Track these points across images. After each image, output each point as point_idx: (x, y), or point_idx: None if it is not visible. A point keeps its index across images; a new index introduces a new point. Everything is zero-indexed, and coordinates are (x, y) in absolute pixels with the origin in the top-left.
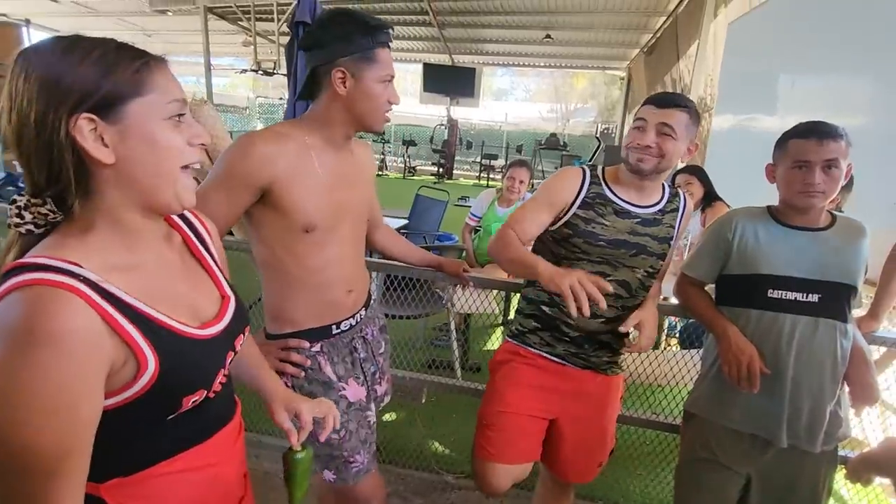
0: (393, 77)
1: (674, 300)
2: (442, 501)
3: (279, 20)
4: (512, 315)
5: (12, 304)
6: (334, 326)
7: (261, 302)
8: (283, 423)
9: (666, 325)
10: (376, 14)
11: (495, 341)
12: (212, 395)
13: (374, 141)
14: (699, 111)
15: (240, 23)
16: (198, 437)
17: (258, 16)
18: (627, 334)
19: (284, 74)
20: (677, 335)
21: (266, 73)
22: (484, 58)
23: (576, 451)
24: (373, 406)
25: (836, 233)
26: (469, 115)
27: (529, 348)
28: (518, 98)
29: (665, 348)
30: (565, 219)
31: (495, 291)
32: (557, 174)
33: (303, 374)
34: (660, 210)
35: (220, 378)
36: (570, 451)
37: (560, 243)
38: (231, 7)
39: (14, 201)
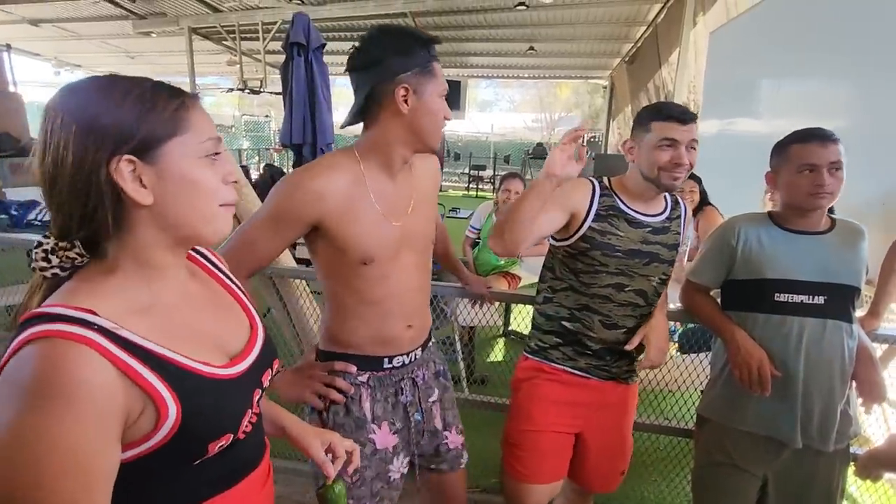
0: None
1: (674, 306)
2: None
3: (264, 39)
4: (513, 325)
5: (24, 359)
6: (386, 360)
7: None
8: (318, 455)
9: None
10: (364, 31)
11: (498, 353)
12: (241, 436)
13: None
14: None
15: (224, 42)
16: (224, 484)
17: (243, 35)
18: (639, 350)
19: (272, 93)
20: (676, 340)
21: (253, 92)
22: (469, 70)
23: (600, 461)
24: (398, 462)
25: (836, 235)
26: (455, 126)
27: (552, 364)
28: (503, 109)
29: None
30: (581, 232)
31: (497, 303)
32: (568, 183)
33: (344, 400)
34: (666, 218)
35: (249, 418)
36: (595, 461)
37: (577, 258)
38: (215, 27)
39: (39, 244)
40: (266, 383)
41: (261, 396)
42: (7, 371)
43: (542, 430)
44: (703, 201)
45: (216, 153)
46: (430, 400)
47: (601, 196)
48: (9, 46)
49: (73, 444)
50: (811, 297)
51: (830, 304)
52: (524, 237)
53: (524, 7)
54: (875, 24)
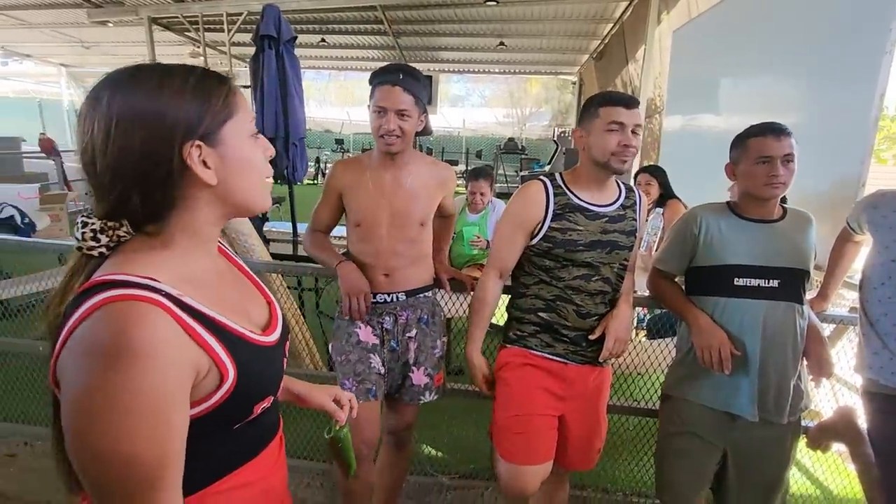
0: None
1: (641, 293)
2: (439, 503)
3: (230, 30)
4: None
5: (100, 320)
6: (374, 295)
7: None
8: (329, 406)
9: (634, 316)
10: (332, 23)
11: None
12: (274, 401)
13: (332, 150)
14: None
15: (187, 34)
16: (253, 450)
17: (207, 26)
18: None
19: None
20: (644, 326)
21: None
22: (440, 65)
23: (579, 441)
24: (377, 357)
25: (788, 223)
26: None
27: (532, 351)
28: (474, 104)
29: (634, 339)
30: (541, 234)
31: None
32: (519, 195)
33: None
34: (620, 206)
35: (281, 384)
36: (575, 441)
37: (544, 256)
38: (177, 17)
39: (85, 224)
40: (287, 353)
41: (285, 364)
42: (80, 335)
43: (531, 414)
44: (668, 194)
45: (256, 131)
46: (407, 335)
47: (555, 196)
48: None
49: (155, 397)
50: (766, 280)
51: (784, 287)
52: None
53: (494, 3)
54: (826, 24)
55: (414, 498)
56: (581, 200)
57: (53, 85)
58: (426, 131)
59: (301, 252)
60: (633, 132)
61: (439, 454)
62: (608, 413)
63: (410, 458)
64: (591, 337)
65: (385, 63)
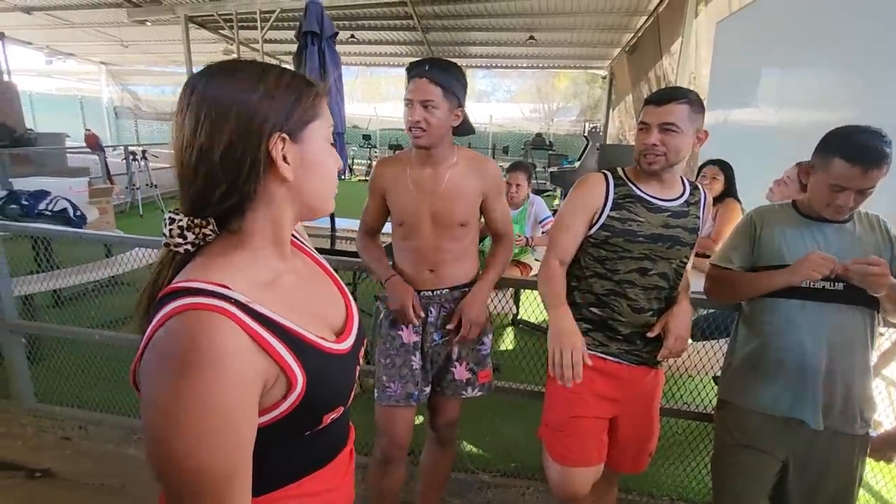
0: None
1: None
2: (479, 500)
3: (262, 27)
4: (523, 314)
5: (172, 329)
6: (417, 293)
7: None
8: None
9: None
10: (362, 19)
11: (509, 341)
12: (344, 411)
13: (359, 146)
14: (701, 101)
15: (221, 31)
16: (322, 460)
17: (241, 24)
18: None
19: None
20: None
21: None
22: (467, 60)
23: (631, 444)
24: (419, 355)
25: (856, 224)
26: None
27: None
28: (500, 99)
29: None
30: (600, 222)
31: (509, 290)
32: (579, 183)
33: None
34: (685, 202)
35: (353, 393)
36: (627, 444)
37: (600, 246)
38: (213, 16)
39: (172, 220)
40: (361, 360)
41: (358, 371)
42: (157, 343)
43: (582, 416)
44: (728, 192)
45: (332, 141)
46: (449, 327)
47: (616, 186)
48: (2, 35)
49: (225, 407)
50: (832, 283)
51: (850, 290)
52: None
53: None
54: (881, 14)
55: (454, 494)
56: (643, 192)
57: (94, 82)
58: (466, 129)
59: (338, 246)
60: (665, 130)
61: (480, 451)
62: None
63: (454, 457)
64: (650, 335)
65: (412, 59)
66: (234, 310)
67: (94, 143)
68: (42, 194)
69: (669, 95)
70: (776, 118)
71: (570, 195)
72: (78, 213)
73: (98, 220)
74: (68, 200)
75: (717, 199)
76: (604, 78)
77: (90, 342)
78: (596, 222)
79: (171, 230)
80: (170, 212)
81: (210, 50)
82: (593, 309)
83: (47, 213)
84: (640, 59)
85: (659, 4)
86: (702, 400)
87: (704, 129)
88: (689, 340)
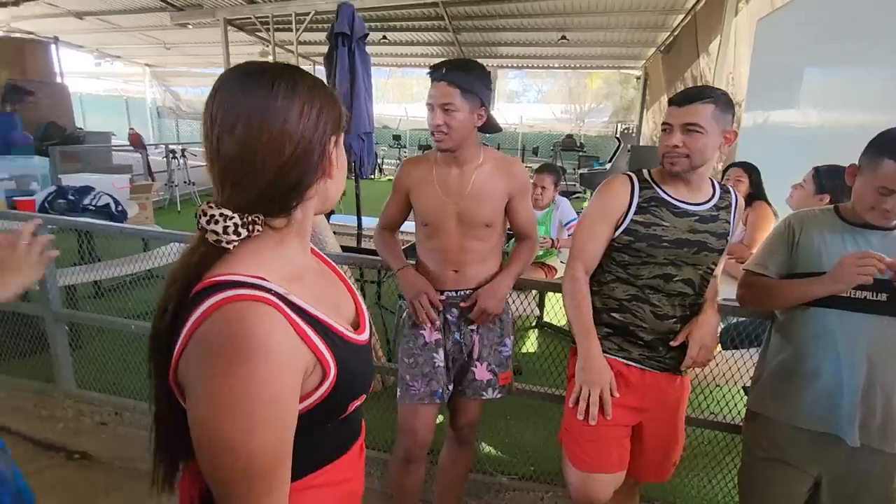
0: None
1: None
2: (496, 503)
3: (297, 29)
4: (547, 316)
5: (221, 321)
6: (440, 293)
7: None
8: None
9: None
10: (394, 20)
11: (532, 344)
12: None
13: (389, 146)
14: (731, 100)
15: (258, 33)
16: (339, 450)
17: (276, 26)
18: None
19: None
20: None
21: None
22: (498, 60)
23: (655, 453)
24: (441, 352)
25: None
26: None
27: (605, 355)
28: (531, 100)
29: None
30: (624, 226)
31: (533, 292)
32: (603, 186)
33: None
34: (714, 206)
35: (372, 382)
36: (650, 452)
37: (623, 251)
38: (250, 18)
39: (225, 216)
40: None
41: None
42: (204, 336)
43: (602, 423)
44: (757, 195)
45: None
46: (471, 328)
47: (641, 189)
48: (56, 39)
49: (277, 393)
50: (874, 293)
51: (893, 300)
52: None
53: None
54: None
55: (471, 495)
56: (669, 196)
57: (138, 84)
58: (492, 127)
59: (364, 245)
60: (688, 131)
61: (499, 453)
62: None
63: (472, 457)
64: (673, 343)
65: (443, 59)
66: (276, 300)
67: (136, 142)
68: (87, 190)
69: (693, 95)
70: (819, 119)
71: (593, 198)
72: (119, 209)
73: (138, 216)
74: (111, 196)
75: (746, 203)
76: (638, 78)
77: (127, 332)
78: (619, 226)
79: (224, 227)
80: (215, 206)
81: (247, 52)
82: (614, 314)
83: (91, 207)
84: (676, 59)
85: (697, 2)
86: (730, 410)
87: (733, 129)
88: (718, 349)
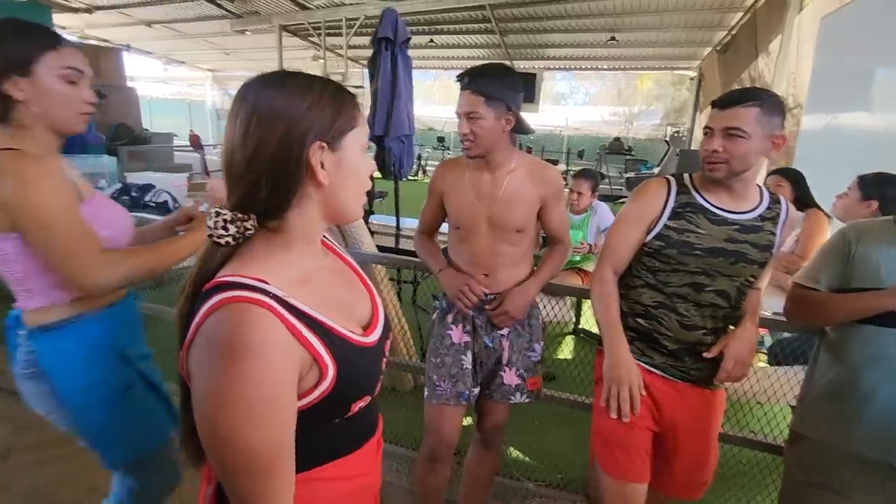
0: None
1: (767, 313)
2: None
3: (347, 34)
4: (583, 323)
5: (219, 320)
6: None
7: None
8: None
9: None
10: (440, 24)
11: (568, 350)
12: (372, 400)
13: (433, 148)
14: (780, 102)
15: (310, 38)
16: (353, 445)
17: (327, 31)
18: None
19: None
20: (766, 350)
21: None
22: (545, 62)
23: (683, 466)
24: (469, 355)
25: None
26: (528, 119)
27: None
28: (578, 102)
29: (754, 363)
30: (655, 231)
31: (570, 298)
32: (639, 189)
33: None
34: (759, 216)
35: (379, 384)
36: (678, 465)
37: (653, 256)
38: (303, 24)
39: (218, 213)
40: (387, 352)
41: (384, 364)
42: (205, 333)
43: (639, 427)
44: (806, 201)
45: (368, 147)
46: (501, 332)
47: (678, 193)
48: (128, 46)
49: (269, 391)
50: None
51: None
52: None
53: None
54: None
55: (497, 498)
56: (707, 203)
57: (200, 87)
58: (523, 129)
59: (402, 245)
60: (729, 135)
61: (527, 458)
62: (720, 441)
63: (498, 460)
64: (707, 355)
65: (489, 61)
66: (273, 303)
67: (195, 142)
68: (148, 187)
69: (736, 98)
70: (887, 122)
71: (629, 200)
72: (176, 205)
73: None
74: (169, 193)
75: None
76: (691, 79)
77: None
78: (651, 231)
79: (215, 222)
80: (216, 207)
81: (299, 56)
82: (639, 319)
83: (151, 203)
84: (734, 59)
85: (757, 0)
86: (771, 430)
87: (782, 133)
88: (760, 364)
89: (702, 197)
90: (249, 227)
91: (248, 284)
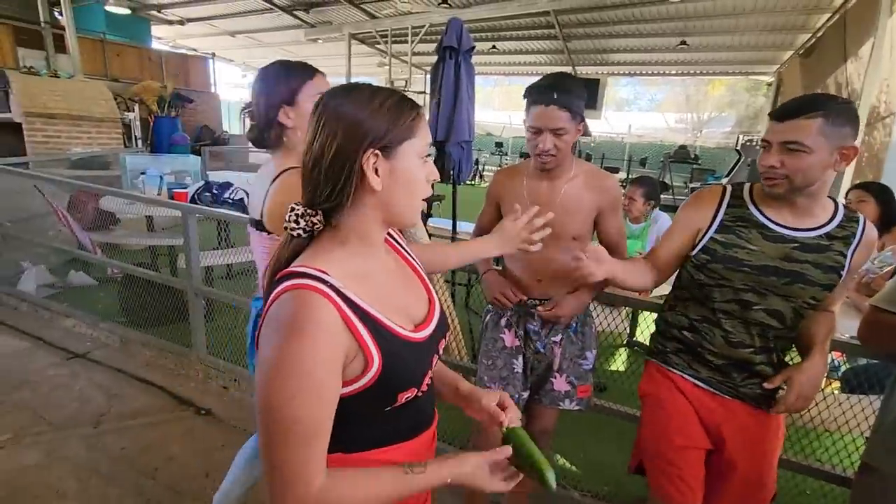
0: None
1: (844, 336)
2: None
3: (412, 42)
4: (638, 335)
5: (284, 303)
6: (523, 300)
7: None
8: (490, 406)
9: (829, 364)
10: (503, 30)
11: (621, 362)
12: (420, 394)
13: (491, 153)
14: (851, 110)
15: (377, 46)
16: (405, 435)
17: (394, 39)
18: (777, 389)
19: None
20: (838, 376)
21: None
22: (609, 68)
23: (734, 490)
24: (520, 360)
25: None
26: (589, 126)
27: (673, 370)
28: (642, 108)
29: (825, 389)
30: (701, 244)
31: (625, 309)
32: (693, 197)
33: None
34: (825, 234)
35: (427, 378)
36: (729, 488)
37: (700, 269)
38: (371, 32)
39: (293, 209)
40: (441, 351)
41: (436, 361)
42: (271, 313)
43: (692, 447)
44: (892, 220)
45: (428, 155)
46: (553, 339)
47: (730, 206)
48: (213, 55)
49: (314, 366)
50: None
51: None
52: (657, 284)
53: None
54: None
55: (540, 503)
56: (764, 217)
57: None
58: (584, 133)
59: None
60: (788, 150)
61: (575, 468)
62: (781, 468)
63: None
64: (768, 386)
65: (551, 67)
66: (330, 291)
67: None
68: (227, 185)
69: (795, 108)
70: None
71: (681, 206)
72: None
73: None
74: (245, 191)
75: (884, 229)
76: (769, 85)
77: (248, 310)
78: (699, 243)
79: (289, 216)
80: (293, 203)
81: (366, 62)
82: (685, 332)
83: (229, 200)
84: (818, 64)
85: (846, 0)
86: (841, 461)
87: (853, 144)
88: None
89: (759, 211)
90: (316, 222)
91: (310, 274)
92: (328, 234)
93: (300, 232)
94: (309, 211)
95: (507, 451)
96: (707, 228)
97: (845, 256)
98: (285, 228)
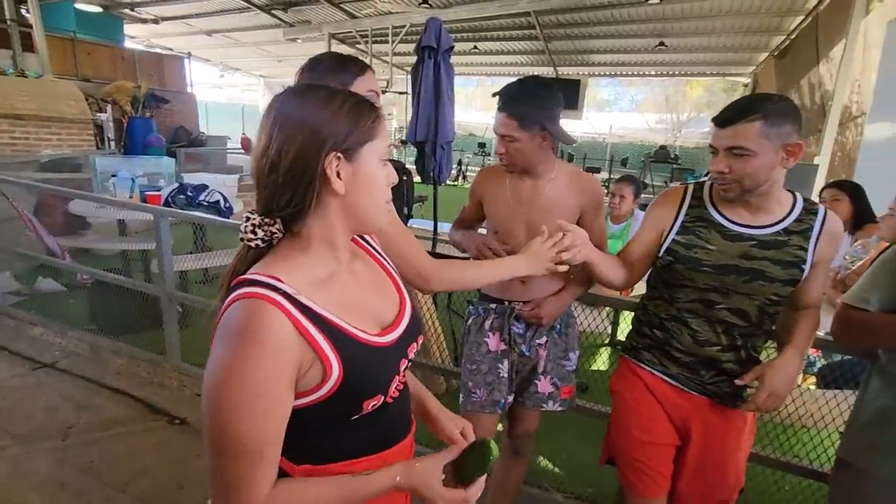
0: None
1: (819, 333)
2: None
3: (392, 42)
4: (619, 335)
5: (233, 312)
6: (507, 302)
7: None
8: (453, 433)
9: (805, 361)
10: (485, 31)
11: (602, 362)
12: (389, 400)
13: (474, 154)
14: (789, 107)
15: (357, 46)
16: (378, 445)
17: (374, 39)
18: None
19: (396, 92)
20: (815, 372)
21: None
22: (590, 69)
23: (695, 483)
24: (506, 363)
25: None
26: (570, 127)
27: (644, 366)
28: (622, 109)
29: (801, 385)
30: (665, 245)
31: (606, 309)
32: (659, 197)
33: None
34: (783, 229)
35: (396, 384)
36: (691, 480)
37: (665, 270)
38: (351, 32)
39: (248, 218)
40: (412, 355)
41: (407, 366)
42: (221, 323)
43: (656, 443)
44: (866, 216)
45: (387, 158)
46: (538, 341)
47: (690, 206)
48: (189, 54)
49: (260, 379)
50: None
51: None
52: (629, 282)
53: (657, 1)
54: None
55: None
56: (722, 216)
57: (253, 93)
58: (565, 140)
59: (439, 249)
60: (733, 154)
61: (557, 470)
62: (759, 464)
63: (526, 468)
64: (739, 383)
65: (532, 68)
66: (282, 300)
67: (247, 146)
68: (202, 187)
69: (733, 114)
70: None
71: (649, 206)
72: (227, 205)
73: (242, 212)
74: (221, 193)
75: (855, 227)
76: (745, 86)
77: None
78: (663, 244)
79: (245, 227)
80: (248, 212)
81: None
82: (655, 331)
83: (204, 203)
84: (792, 65)
85: (819, 3)
86: (818, 456)
87: (797, 140)
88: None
89: (717, 210)
90: (276, 230)
91: (262, 282)
92: (287, 241)
93: (258, 242)
94: (267, 220)
95: (457, 450)
96: (669, 230)
97: (806, 250)
98: (241, 239)
